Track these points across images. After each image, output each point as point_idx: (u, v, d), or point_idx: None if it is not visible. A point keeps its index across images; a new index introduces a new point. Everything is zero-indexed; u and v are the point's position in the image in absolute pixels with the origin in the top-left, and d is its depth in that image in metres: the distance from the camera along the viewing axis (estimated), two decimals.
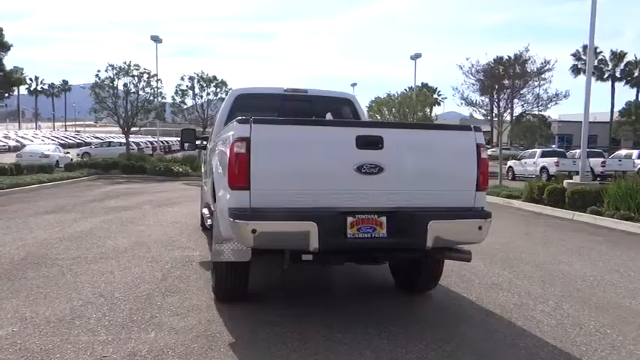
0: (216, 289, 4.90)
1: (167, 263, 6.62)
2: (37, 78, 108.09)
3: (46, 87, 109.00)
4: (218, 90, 29.66)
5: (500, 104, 18.20)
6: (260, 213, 3.93)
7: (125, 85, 27.62)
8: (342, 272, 6.22)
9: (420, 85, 69.91)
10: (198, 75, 29.64)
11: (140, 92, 28.04)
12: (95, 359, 3.64)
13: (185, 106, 30.33)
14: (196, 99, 30.15)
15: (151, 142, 44.42)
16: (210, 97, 30.17)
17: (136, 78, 27.82)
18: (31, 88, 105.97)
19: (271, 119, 4.49)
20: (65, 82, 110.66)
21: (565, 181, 14.73)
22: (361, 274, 6.21)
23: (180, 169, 24.19)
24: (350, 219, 4.07)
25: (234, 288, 4.84)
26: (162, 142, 43.28)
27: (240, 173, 3.93)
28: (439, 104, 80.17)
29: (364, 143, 4.09)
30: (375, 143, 4.11)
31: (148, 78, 27.77)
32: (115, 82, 27.84)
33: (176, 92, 29.80)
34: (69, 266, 6.41)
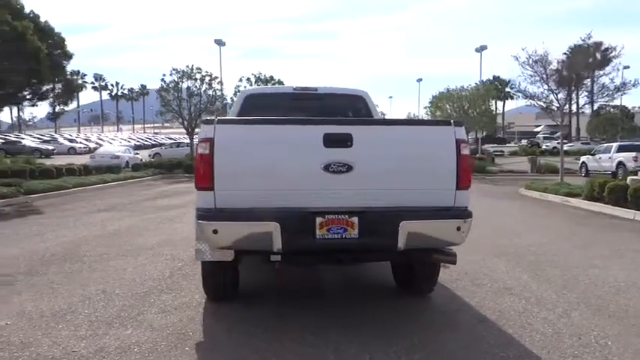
0: (204, 287, 4.95)
1: (182, 261, 6.78)
2: (117, 83, 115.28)
3: (126, 92, 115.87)
4: None
5: (559, 96, 17.15)
6: (223, 213, 3.92)
7: (188, 88, 28.66)
8: (340, 273, 6.12)
9: (491, 78, 67.58)
10: (255, 76, 30.26)
11: (203, 94, 28.95)
12: (64, 353, 3.78)
13: None
14: None
15: None
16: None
17: (199, 81, 28.79)
18: (113, 94, 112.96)
19: (236, 119, 4.46)
20: (143, 87, 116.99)
21: (629, 178, 13.66)
22: (360, 277, 6.06)
23: None
24: (319, 219, 3.96)
25: (220, 287, 4.87)
26: None
27: (204, 174, 3.93)
28: (512, 97, 76.96)
29: (332, 141, 3.96)
30: (344, 141, 3.97)
31: (209, 80, 28.67)
32: (179, 85, 28.95)
33: (235, 93, 30.54)
34: (90, 263, 6.72)
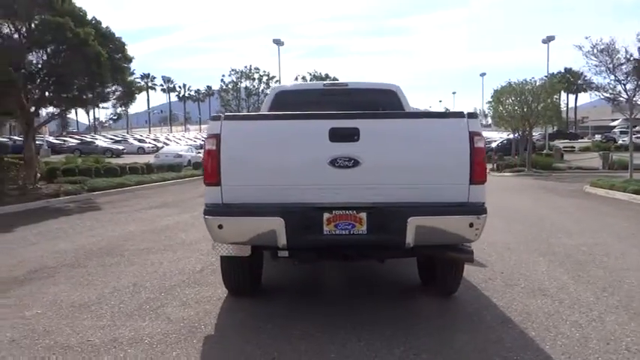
0: (224, 282, 5.00)
1: (215, 256, 6.88)
2: (184, 85, 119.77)
3: (193, 93, 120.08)
4: None
5: (628, 86, 16.05)
6: (228, 209, 3.95)
7: (246, 87, 29.29)
8: (364, 269, 6.01)
9: (562, 70, 64.48)
10: (310, 74, 30.47)
11: (260, 94, 29.48)
12: (79, 342, 3.94)
13: None
14: None
15: None
16: None
17: (257, 80, 29.35)
18: (180, 95, 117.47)
19: (243, 115, 4.50)
20: (209, 88, 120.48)
21: None
22: (384, 274, 5.92)
23: None
24: (326, 215, 3.91)
25: (239, 282, 4.91)
26: None
27: (212, 169, 3.99)
28: (585, 91, 73.12)
29: (338, 136, 3.90)
30: (350, 135, 3.90)
31: (267, 80, 29.15)
32: (238, 86, 29.65)
33: None
34: (130, 257, 6.98)
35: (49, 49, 14.80)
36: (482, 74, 60.91)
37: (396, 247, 4.03)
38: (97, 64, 14.53)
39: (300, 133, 4.03)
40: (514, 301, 4.93)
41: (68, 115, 46.40)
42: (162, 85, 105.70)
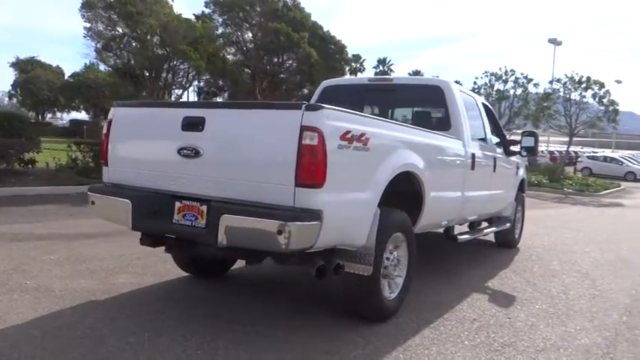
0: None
1: None
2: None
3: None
4: (593, 91, 25.72)
5: None
6: (98, 187, 4.31)
7: (498, 90, 28.02)
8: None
9: None
10: (567, 76, 26.76)
11: (511, 96, 27.96)
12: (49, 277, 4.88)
13: (548, 111, 27.58)
14: (568, 103, 27.10)
15: (551, 152, 41.79)
16: (587, 99, 26.62)
17: (510, 82, 27.85)
18: None
19: (129, 102, 4.72)
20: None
21: None
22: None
23: (534, 179, 22.24)
24: (178, 204, 3.88)
25: (180, 262, 5.14)
26: (569, 152, 39.46)
27: (103, 151, 4.39)
28: None
29: (187, 125, 3.83)
30: (196, 125, 3.78)
31: (523, 83, 27.29)
32: (495, 88, 28.64)
33: (544, 96, 27.79)
34: None
35: (276, 53, 17.03)
36: None
37: (212, 246, 3.66)
38: (307, 64, 16.09)
39: (161, 120, 4.11)
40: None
41: None
42: None
